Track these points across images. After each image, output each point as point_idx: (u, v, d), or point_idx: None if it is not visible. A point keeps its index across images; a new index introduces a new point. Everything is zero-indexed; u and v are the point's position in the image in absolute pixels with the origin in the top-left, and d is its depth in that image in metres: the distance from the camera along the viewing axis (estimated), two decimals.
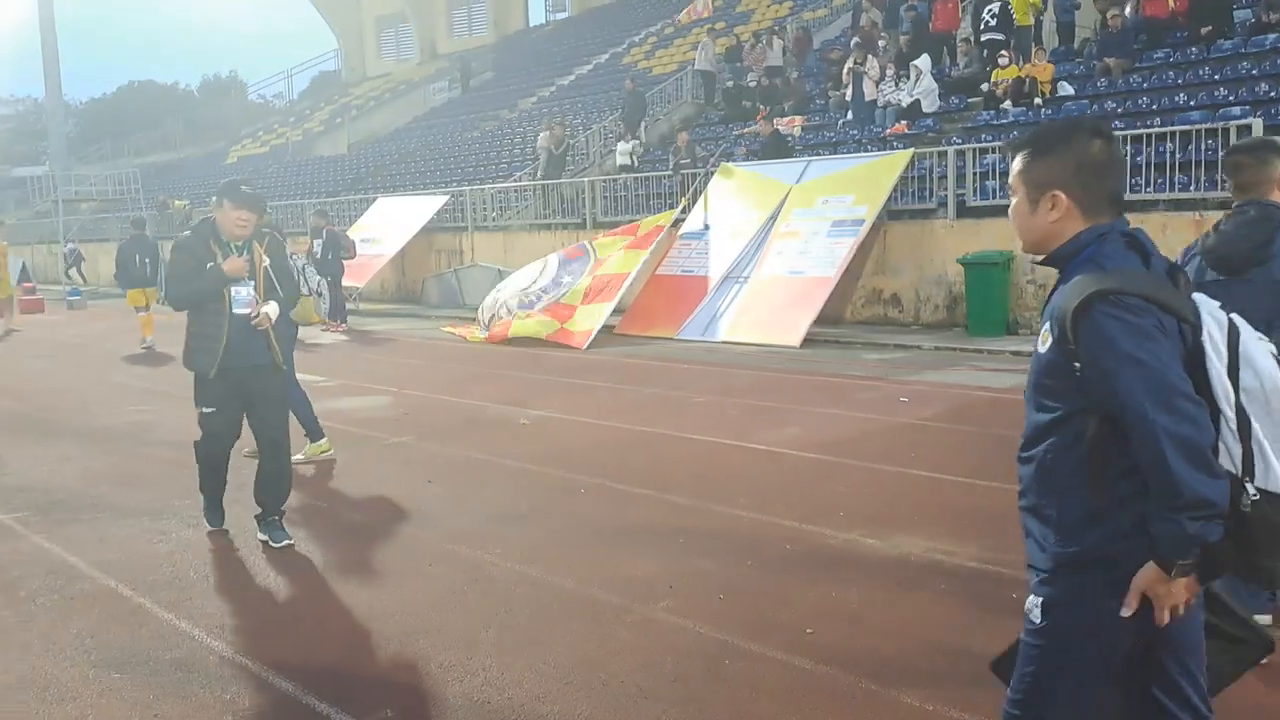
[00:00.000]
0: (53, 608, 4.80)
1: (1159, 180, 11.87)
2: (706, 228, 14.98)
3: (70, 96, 54.89)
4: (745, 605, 4.49)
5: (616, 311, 14.15)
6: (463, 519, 5.99)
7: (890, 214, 13.71)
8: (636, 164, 19.64)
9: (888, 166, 13.55)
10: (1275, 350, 2.02)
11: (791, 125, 18.56)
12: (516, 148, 24.72)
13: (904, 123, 16.32)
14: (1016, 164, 2.24)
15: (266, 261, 5.49)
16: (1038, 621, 2.16)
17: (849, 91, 17.91)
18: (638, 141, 20.36)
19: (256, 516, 5.60)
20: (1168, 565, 1.97)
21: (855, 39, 19.03)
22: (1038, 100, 14.74)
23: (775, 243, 13.68)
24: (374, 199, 22.94)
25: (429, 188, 23.30)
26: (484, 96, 33.17)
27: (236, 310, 5.31)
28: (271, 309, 5.42)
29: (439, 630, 4.35)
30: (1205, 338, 2.00)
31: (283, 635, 4.41)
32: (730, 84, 21.51)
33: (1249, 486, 1.97)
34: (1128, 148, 12.06)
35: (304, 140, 37.97)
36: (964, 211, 13.23)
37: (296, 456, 7.58)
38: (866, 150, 15.41)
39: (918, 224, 13.48)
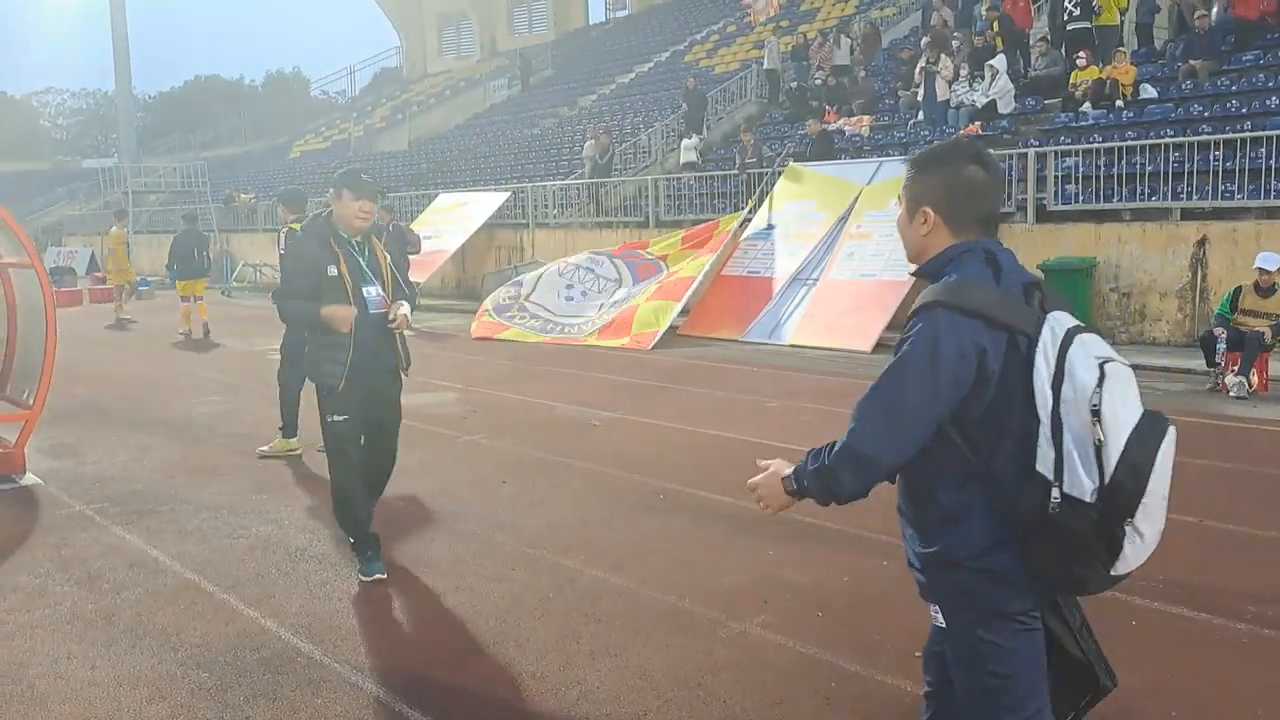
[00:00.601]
0: (137, 602, 4.76)
1: (1251, 187, 11.44)
2: (771, 228, 14.78)
3: (139, 90, 55.93)
4: (846, 623, 4.32)
5: (681, 312, 14.00)
6: (540, 522, 5.88)
7: None
8: (701, 161, 19.49)
9: None
10: (1104, 372, 2.08)
11: (860, 125, 18.27)
12: (577, 145, 24.63)
13: (977, 124, 15.96)
14: (905, 179, 2.41)
15: (389, 258, 5.10)
16: (943, 624, 2.32)
17: (920, 91, 17.58)
18: (700, 138, 20.20)
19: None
20: (788, 477, 2.35)
21: (927, 38, 18.68)
22: (1119, 103, 14.33)
23: (846, 244, 13.43)
24: (435, 194, 23.02)
25: (489, 184, 23.33)
26: (544, 94, 33.18)
27: (371, 311, 4.84)
28: (406, 308, 4.95)
29: (528, 639, 4.23)
30: (1039, 349, 2.11)
31: (369, 638, 4.31)
32: (795, 83, 21.22)
33: (1055, 491, 2.07)
34: (1218, 152, 11.68)
35: (365, 136, 38.27)
36: (1044, 216, 12.90)
37: (262, 449, 7.72)
38: None
39: None
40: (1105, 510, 2.05)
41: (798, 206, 14.67)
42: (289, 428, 7.70)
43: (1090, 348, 2.11)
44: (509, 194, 20.96)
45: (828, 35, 22.25)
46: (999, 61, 16.32)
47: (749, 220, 15.34)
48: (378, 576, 4.91)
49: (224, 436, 8.35)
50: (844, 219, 13.79)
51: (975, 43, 17.79)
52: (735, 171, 17.45)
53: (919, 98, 17.69)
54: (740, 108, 22.60)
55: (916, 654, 3.96)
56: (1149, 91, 14.54)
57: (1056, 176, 12.98)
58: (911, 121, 17.62)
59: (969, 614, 2.25)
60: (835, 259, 13.34)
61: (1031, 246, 12.56)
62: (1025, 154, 13.20)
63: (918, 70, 17.77)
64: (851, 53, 21.34)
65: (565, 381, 10.73)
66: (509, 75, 36.27)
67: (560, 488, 6.63)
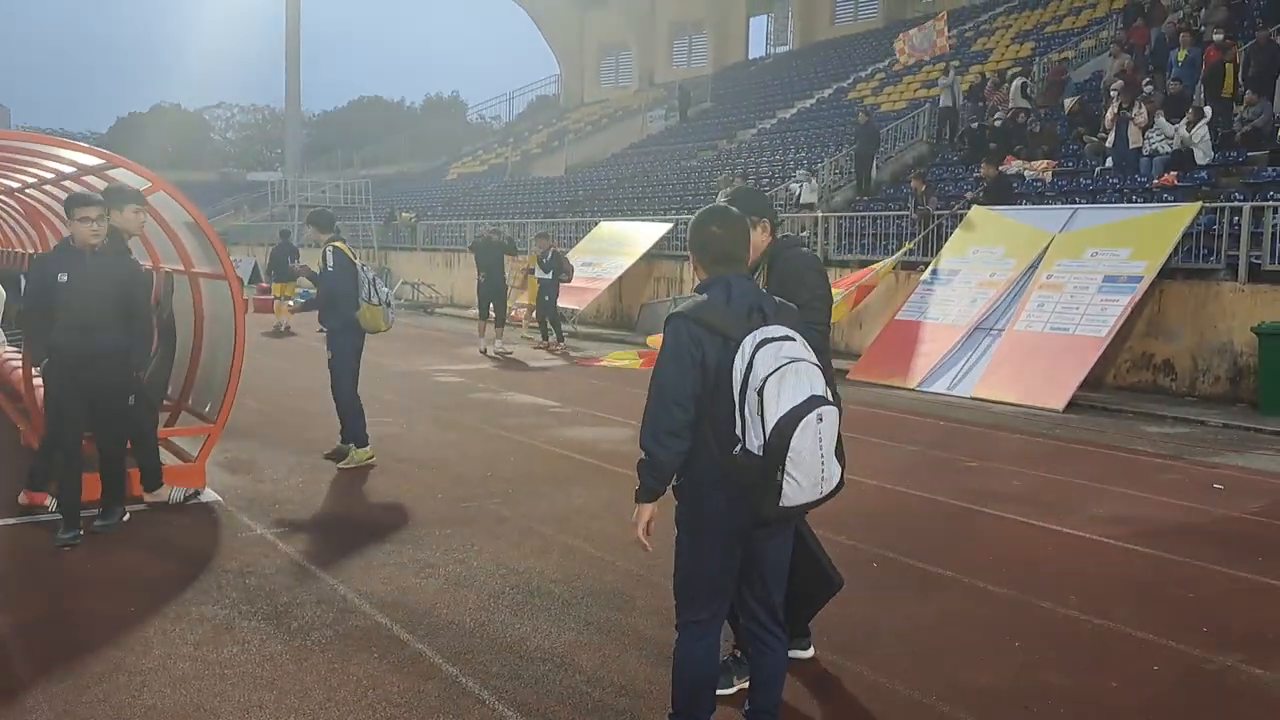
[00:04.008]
0: (328, 645, 4.47)
1: None
2: (949, 273, 14.03)
3: (304, 108, 58.27)
4: None
5: (848, 356, 13.38)
6: None
7: (1162, 273, 12.39)
8: (817, 204, 19.00)
9: (1171, 219, 12.24)
10: (782, 369, 2.96)
11: (1040, 170, 17.35)
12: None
13: (1173, 174, 14.88)
14: None
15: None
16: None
17: (1111, 137, 16.57)
18: (818, 178, 19.68)
19: None
20: (638, 493, 3.22)
21: (1119, 83, 17.63)
22: None
23: (1035, 294, 12.58)
24: (594, 222, 22.93)
25: (647, 214, 23.13)
26: (702, 126, 32.96)
27: None
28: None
29: None
30: (740, 349, 3.00)
31: (582, 713, 3.88)
32: (975, 123, 20.34)
33: (738, 446, 2.99)
34: None
35: (522, 161, 38.79)
36: (1257, 275, 11.82)
37: (346, 464, 7.88)
38: (1130, 201, 14.11)
39: (1201, 285, 12.11)
40: (765, 460, 2.94)
41: (982, 252, 13.88)
42: (359, 439, 8.01)
43: (783, 351, 2.99)
44: (671, 225, 20.65)
45: (1006, 76, 21.35)
46: (1207, 110, 15.19)
47: (922, 264, 14.65)
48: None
49: (400, 461, 8.16)
50: (1033, 267, 12.94)
51: (1170, 88, 16.70)
52: (906, 213, 16.76)
53: (1108, 144, 16.69)
54: (910, 148, 21.83)
55: None
56: None
57: (1272, 232, 11.88)
58: (1098, 168, 16.63)
59: (684, 527, 3.23)
60: (1024, 309, 12.51)
61: (1244, 308, 11.51)
62: (1241, 208, 12.14)
63: (1110, 116, 16.77)
64: (1026, 94, 20.37)
65: None
66: (666, 106, 36.19)
67: None
